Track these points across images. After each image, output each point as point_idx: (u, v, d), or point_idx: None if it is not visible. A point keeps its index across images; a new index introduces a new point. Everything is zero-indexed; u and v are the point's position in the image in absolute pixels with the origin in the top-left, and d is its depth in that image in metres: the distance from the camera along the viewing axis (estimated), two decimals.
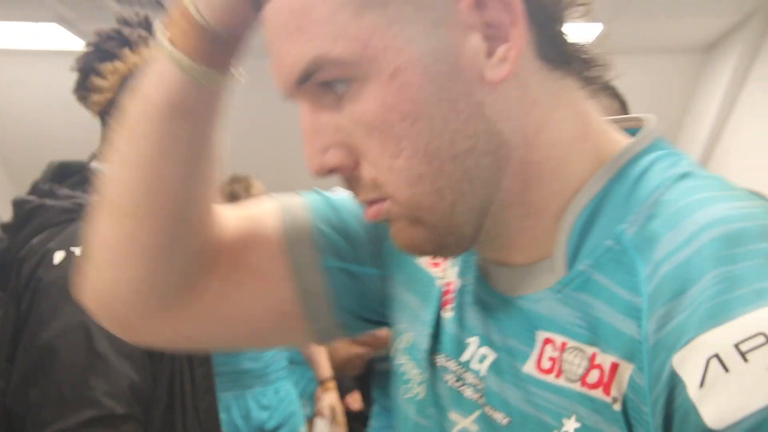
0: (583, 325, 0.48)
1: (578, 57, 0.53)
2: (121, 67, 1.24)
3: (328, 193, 0.70)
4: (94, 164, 1.27)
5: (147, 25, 1.28)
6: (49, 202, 1.18)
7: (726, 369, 0.38)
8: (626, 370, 0.45)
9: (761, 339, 0.38)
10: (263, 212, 0.67)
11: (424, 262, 0.65)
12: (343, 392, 2.85)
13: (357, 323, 0.69)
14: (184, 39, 0.55)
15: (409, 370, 0.63)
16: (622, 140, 0.54)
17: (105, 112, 1.27)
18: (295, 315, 0.66)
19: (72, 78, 1.27)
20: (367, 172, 0.50)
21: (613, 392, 0.45)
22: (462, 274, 0.60)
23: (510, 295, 0.54)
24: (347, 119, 0.49)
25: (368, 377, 2.37)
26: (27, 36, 3.66)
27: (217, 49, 0.56)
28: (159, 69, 0.57)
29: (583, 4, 0.52)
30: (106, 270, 0.62)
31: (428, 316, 0.62)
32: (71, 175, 1.24)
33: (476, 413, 0.55)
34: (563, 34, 0.51)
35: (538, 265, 0.53)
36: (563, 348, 0.49)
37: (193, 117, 0.57)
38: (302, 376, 2.89)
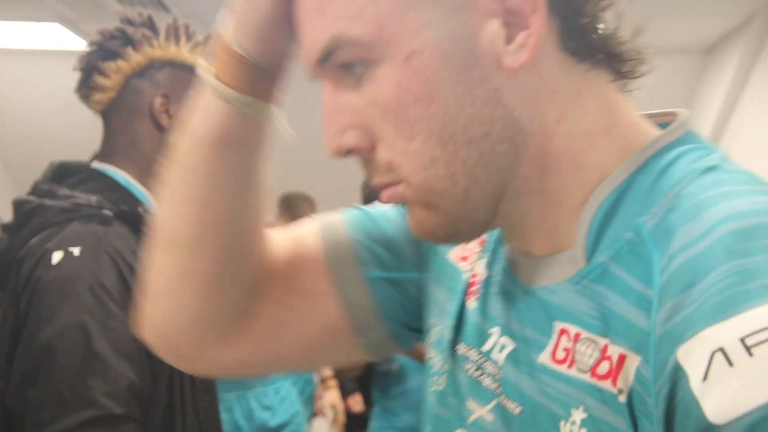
0: (597, 316, 0.48)
1: (608, 50, 0.52)
2: (124, 66, 1.24)
3: (366, 207, 0.71)
4: (95, 164, 1.27)
5: (150, 24, 1.28)
6: (48, 202, 1.18)
7: (730, 363, 0.37)
8: (633, 361, 0.44)
9: None
10: (305, 233, 0.69)
11: (453, 256, 0.65)
12: (344, 394, 2.85)
13: (406, 333, 0.69)
14: (227, 72, 0.57)
15: (436, 363, 0.64)
16: (652, 133, 0.53)
17: (107, 112, 1.27)
18: (345, 330, 0.67)
19: (73, 78, 1.27)
20: (382, 154, 0.51)
21: (620, 384, 0.45)
22: (490, 265, 0.61)
23: (531, 285, 0.54)
24: (364, 101, 0.50)
25: (369, 379, 2.37)
26: (28, 36, 3.65)
27: (260, 79, 0.57)
28: (205, 103, 0.59)
29: None
30: (163, 302, 0.64)
31: (453, 308, 0.62)
32: (71, 175, 1.24)
33: (493, 402, 0.56)
34: (590, 27, 0.51)
35: (559, 256, 0.53)
36: (577, 339, 0.49)
37: (240, 148, 0.59)
38: (300, 377, 2.89)
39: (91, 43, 1.27)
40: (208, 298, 0.62)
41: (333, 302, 0.66)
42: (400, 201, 0.53)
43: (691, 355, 0.39)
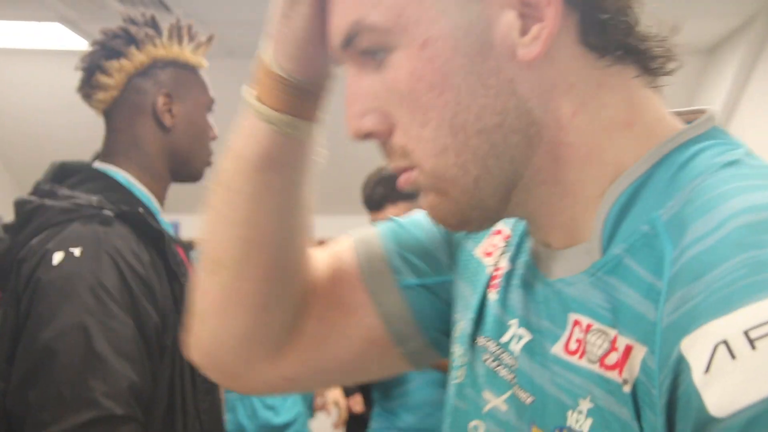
0: (608, 307, 0.48)
1: (630, 47, 0.52)
2: (127, 65, 1.24)
3: (399, 218, 0.72)
4: (96, 164, 1.27)
5: (153, 24, 1.28)
6: (48, 202, 1.18)
7: (733, 356, 0.37)
8: (639, 352, 0.44)
9: None
10: (342, 249, 0.70)
11: (479, 252, 0.66)
12: (344, 394, 2.84)
13: (445, 341, 0.69)
14: (268, 93, 0.58)
15: (458, 357, 0.64)
16: (677, 129, 0.53)
17: (109, 111, 1.27)
18: (384, 341, 0.67)
19: (75, 78, 1.27)
20: (398, 139, 0.52)
21: (625, 374, 0.45)
22: (513, 259, 0.61)
23: (549, 277, 0.55)
24: (384, 87, 0.52)
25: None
26: (29, 36, 3.66)
27: (300, 99, 0.59)
28: (248, 125, 0.60)
29: None
30: (210, 322, 0.65)
31: (474, 302, 0.63)
32: (72, 175, 1.24)
33: (508, 393, 0.56)
34: (611, 22, 0.51)
35: (576, 249, 0.53)
36: (588, 329, 0.49)
37: (283, 168, 0.61)
38: None
39: (94, 42, 1.27)
40: (254, 317, 0.64)
41: (371, 315, 0.67)
42: (414, 186, 0.54)
43: (695, 347, 0.39)
